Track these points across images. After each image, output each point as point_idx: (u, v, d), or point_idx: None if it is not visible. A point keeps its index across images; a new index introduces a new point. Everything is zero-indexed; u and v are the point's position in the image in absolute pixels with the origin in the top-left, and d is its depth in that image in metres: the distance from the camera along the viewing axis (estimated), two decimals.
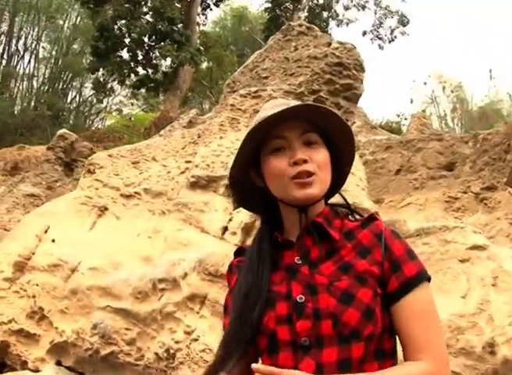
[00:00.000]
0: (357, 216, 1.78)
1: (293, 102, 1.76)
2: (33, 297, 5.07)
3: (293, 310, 1.53)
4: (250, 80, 6.35)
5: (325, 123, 1.68)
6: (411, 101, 25.86)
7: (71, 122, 29.84)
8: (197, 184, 4.90)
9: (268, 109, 1.70)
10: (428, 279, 1.61)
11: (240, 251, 1.84)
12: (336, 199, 1.83)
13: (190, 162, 5.27)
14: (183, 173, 5.24)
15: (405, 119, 19.43)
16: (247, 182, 1.77)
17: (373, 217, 1.70)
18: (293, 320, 1.52)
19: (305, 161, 1.61)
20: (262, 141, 1.68)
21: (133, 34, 20.92)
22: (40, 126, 24.94)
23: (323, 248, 1.62)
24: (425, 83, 24.83)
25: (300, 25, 6.40)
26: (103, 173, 5.62)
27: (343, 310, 1.50)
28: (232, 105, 5.38)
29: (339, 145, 1.73)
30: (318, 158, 1.64)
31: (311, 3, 26.44)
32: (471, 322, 3.98)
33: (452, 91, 24.36)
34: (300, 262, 1.60)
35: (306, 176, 1.61)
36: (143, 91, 24.34)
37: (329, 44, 6.05)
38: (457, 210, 6.92)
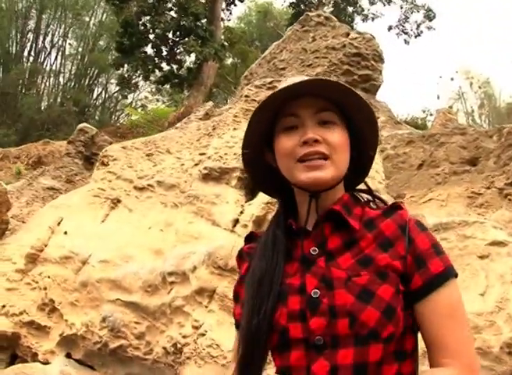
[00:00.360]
0: (380, 204, 1.61)
1: (316, 78, 1.60)
2: (45, 289, 5.04)
3: (307, 306, 1.40)
4: (268, 71, 6.24)
5: (344, 101, 1.52)
6: (438, 97, 25.67)
7: (97, 117, 30.08)
8: (209, 176, 4.80)
9: (285, 84, 1.55)
10: (456, 276, 1.46)
11: (251, 237, 1.69)
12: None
13: (204, 154, 5.17)
14: (196, 165, 5.15)
15: (431, 115, 19.13)
16: (261, 162, 1.63)
17: (397, 206, 1.54)
18: (307, 317, 1.39)
19: (316, 141, 1.46)
20: (276, 117, 1.54)
21: (157, 30, 20.94)
22: (67, 122, 25.18)
23: (341, 238, 1.48)
24: (452, 79, 24.54)
25: (319, 15, 6.27)
26: (116, 165, 5.56)
27: (362, 308, 1.36)
28: (246, 96, 5.27)
29: (360, 127, 1.57)
30: (333, 139, 1.48)
31: None
32: (488, 320, 3.83)
33: (479, 87, 23.95)
34: (316, 252, 1.46)
35: (316, 157, 1.46)
36: (167, 86, 24.37)
37: (348, 34, 5.91)
38: (480, 206, 6.71)
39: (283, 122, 1.52)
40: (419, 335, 1.47)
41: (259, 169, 1.66)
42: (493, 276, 4.08)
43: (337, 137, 1.50)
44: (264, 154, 1.62)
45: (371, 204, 1.61)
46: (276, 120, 1.54)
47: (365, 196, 1.64)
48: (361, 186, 1.69)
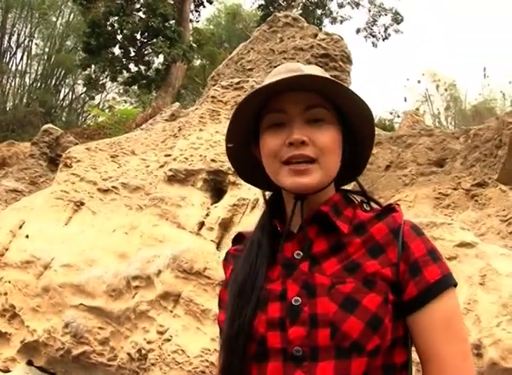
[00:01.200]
0: (374, 206, 1.48)
1: (309, 68, 1.44)
2: (5, 294, 4.90)
3: (287, 314, 1.29)
4: (235, 72, 6.18)
5: (337, 96, 1.38)
6: (405, 100, 25.76)
7: (63, 119, 29.61)
8: (174, 178, 4.72)
9: (273, 76, 1.43)
10: (455, 285, 1.34)
11: (238, 239, 1.58)
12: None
13: (169, 155, 5.09)
14: (162, 166, 5.06)
15: (398, 116, 19.26)
16: (248, 156, 1.51)
17: (391, 208, 1.41)
18: (286, 326, 1.28)
19: (304, 142, 1.34)
20: (262, 111, 1.42)
21: (125, 31, 20.69)
22: (33, 123, 24.71)
23: (328, 241, 1.37)
24: (419, 82, 24.66)
25: (286, 16, 6.23)
26: (80, 167, 5.44)
27: (344, 318, 1.25)
28: (213, 96, 5.20)
29: (355, 123, 1.44)
30: (323, 140, 1.36)
31: (304, 0, 26.28)
32: None
33: (445, 90, 24.20)
34: (300, 256, 1.35)
35: (302, 161, 1.34)
36: (135, 87, 24.13)
37: (316, 35, 5.88)
38: (447, 207, 6.74)
39: (270, 118, 1.40)
40: (413, 348, 1.36)
41: (246, 163, 1.54)
42: (461, 278, 4.06)
43: (327, 138, 1.37)
44: (250, 147, 1.50)
45: (365, 205, 1.47)
46: (262, 115, 1.42)
47: (360, 198, 1.50)
48: (354, 187, 1.58)
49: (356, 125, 1.44)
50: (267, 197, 1.56)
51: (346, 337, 1.24)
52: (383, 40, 26.78)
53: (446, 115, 23.87)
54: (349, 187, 1.57)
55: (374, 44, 27.04)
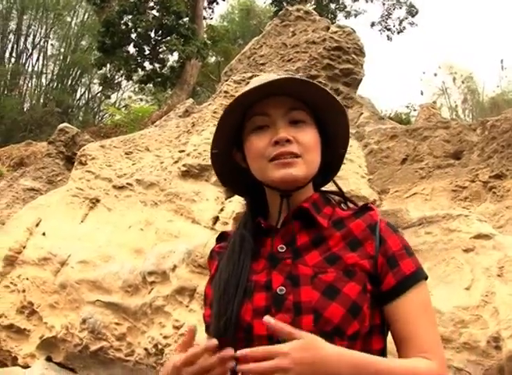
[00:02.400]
0: (352, 205, 1.62)
1: (285, 76, 1.58)
2: (23, 291, 4.94)
3: (272, 303, 1.39)
4: (248, 67, 6.17)
5: (314, 99, 1.51)
6: (421, 93, 25.67)
7: (80, 118, 29.82)
8: (188, 173, 4.73)
9: (254, 83, 1.54)
10: (426, 278, 1.47)
11: (222, 237, 1.69)
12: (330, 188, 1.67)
13: (183, 151, 5.08)
14: (176, 162, 5.06)
15: (414, 110, 19.13)
16: (229, 161, 1.61)
17: (368, 207, 1.55)
18: (272, 314, 1.35)
19: (288, 141, 1.45)
20: (245, 118, 1.53)
21: (139, 29, 20.74)
22: (50, 123, 24.89)
23: (309, 235, 1.48)
24: (436, 75, 24.47)
25: (298, 9, 6.21)
26: (95, 165, 5.46)
27: (326, 305, 1.35)
28: (225, 91, 5.19)
29: (331, 125, 1.56)
30: (305, 139, 1.48)
31: None
32: (474, 315, 3.77)
33: (463, 82, 24.00)
34: (284, 250, 1.46)
35: (288, 156, 1.45)
36: (150, 85, 24.21)
37: (328, 28, 5.84)
38: (465, 199, 6.69)
39: (253, 121, 1.51)
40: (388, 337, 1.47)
41: (227, 169, 1.64)
42: (478, 270, 4.02)
43: (309, 137, 1.49)
44: (232, 154, 1.60)
45: (342, 205, 1.61)
46: (245, 120, 1.53)
47: (337, 198, 1.64)
48: (331, 187, 1.68)
49: (331, 126, 1.57)
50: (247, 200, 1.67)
51: (328, 322, 1.34)
52: (398, 33, 26.61)
53: (464, 108, 23.70)
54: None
55: (389, 38, 26.88)
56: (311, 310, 1.35)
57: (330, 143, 1.58)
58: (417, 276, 1.44)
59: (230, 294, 1.42)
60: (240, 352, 1.23)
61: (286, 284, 1.39)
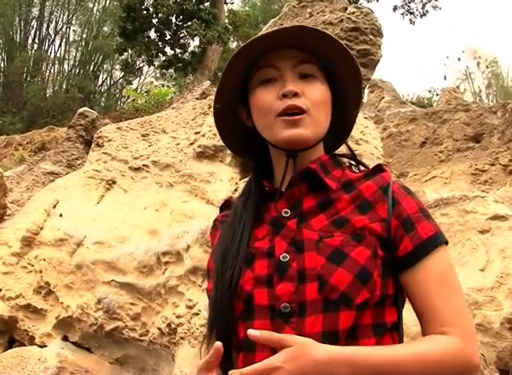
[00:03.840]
0: (363, 168, 1.51)
1: (294, 25, 1.46)
2: (40, 272, 4.98)
3: (275, 270, 1.30)
4: None
5: (325, 51, 1.40)
6: (445, 78, 25.37)
7: (102, 104, 30.00)
8: (203, 154, 4.72)
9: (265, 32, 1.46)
10: (446, 242, 1.35)
11: (225, 205, 1.59)
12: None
13: (198, 132, 5.08)
14: (191, 144, 5.06)
15: (437, 95, 18.90)
16: (234, 120, 1.52)
17: (379, 168, 1.43)
18: (274, 282, 1.28)
19: (296, 94, 1.36)
20: (252, 71, 1.43)
21: (160, 14, 20.72)
22: (72, 109, 25.02)
23: (316, 198, 1.38)
24: (459, 59, 24.17)
25: None
26: (111, 146, 5.47)
27: (332, 270, 1.25)
28: None
29: (343, 82, 1.46)
30: (313, 94, 1.38)
31: None
32: (489, 296, 3.74)
33: (487, 67, 23.67)
34: (289, 214, 1.36)
35: (296, 112, 1.35)
36: (171, 71, 24.23)
37: (345, 9, 5.76)
38: (484, 183, 6.61)
39: (260, 74, 1.42)
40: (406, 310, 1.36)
41: (232, 128, 1.55)
42: (494, 251, 3.99)
43: (318, 92, 1.40)
44: (237, 111, 1.51)
45: (353, 168, 1.50)
46: (251, 73, 1.44)
47: (348, 161, 1.53)
48: (343, 149, 1.58)
49: (343, 83, 1.46)
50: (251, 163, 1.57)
51: (334, 290, 1.24)
52: (421, 17, 26.19)
53: (488, 92, 23.37)
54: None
55: (411, 22, 26.50)
56: (315, 277, 1.26)
57: (341, 104, 1.48)
58: (437, 240, 1.32)
59: (229, 262, 1.35)
60: (231, 373, 1.16)
61: (289, 251, 1.30)
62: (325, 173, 1.40)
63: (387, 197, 1.35)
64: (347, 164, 1.51)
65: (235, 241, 1.38)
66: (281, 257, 1.30)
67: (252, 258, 1.34)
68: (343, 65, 1.43)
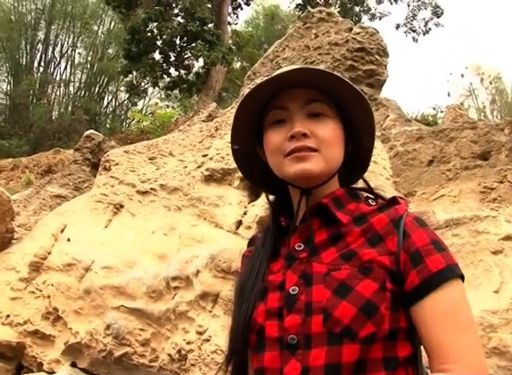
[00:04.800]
0: (381, 201, 1.49)
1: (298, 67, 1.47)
2: (49, 297, 4.95)
3: (285, 303, 1.32)
4: (271, 70, 6.12)
5: (334, 90, 1.41)
6: (448, 95, 25.34)
7: (107, 125, 30.11)
8: (211, 178, 4.70)
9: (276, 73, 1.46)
10: (461, 276, 1.29)
11: (252, 240, 1.62)
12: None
13: (206, 155, 5.07)
14: (199, 167, 5.05)
15: (441, 112, 18.87)
16: (254, 157, 1.54)
17: (394, 201, 1.42)
18: (284, 315, 1.30)
19: (305, 135, 1.37)
20: (264, 111, 1.46)
21: (164, 36, 20.92)
22: (78, 131, 25.12)
23: (328, 232, 1.39)
24: (462, 76, 24.18)
25: (321, 11, 6.14)
26: (119, 170, 5.47)
27: (337, 304, 1.25)
28: None
29: (355, 117, 1.46)
30: (323, 133, 1.39)
31: None
32: (504, 319, 3.68)
33: (490, 83, 23.67)
34: (301, 248, 1.38)
35: (304, 151, 1.37)
36: (176, 92, 24.35)
37: (351, 29, 5.79)
38: (493, 201, 6.55)
39: (272, 115, 1.44)
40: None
41: (252, 165, 1.57)
42: (508, 272, 3.93)
43: (328, 131, 1.40)
44: (255, 149, 1.53)
45: (370, 201, 1.48)
46: (265, 113, 1.46)
47: (365, 194, 1.53)
48: (361, 183, 1.58)
49: (355, 119, 1.46)
50: (270, 198, 1.60)
51: (337, 323, 1.24)
52: (424, 34, 26.39)
53: (492, 108, 23.34)
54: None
55: (414, 39, 26.69)
56: (321, 310, 1.26)
57: (356, 137, 1.48)
58: (446, 274, 1.27)
59: (245, 297, 1.39)
60: None
61: (299, 284, 1.32)
62: (338, 207, 1.41)
63: (398, 230, 1.33)
64: (364, 197, 1.50)
65: (252, 276, 1.42)
66: (290, 290, 1.33)
67: (265, 292, 1.37)
68: (351, 100, 1.43)
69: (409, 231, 1.32)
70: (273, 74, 1.42)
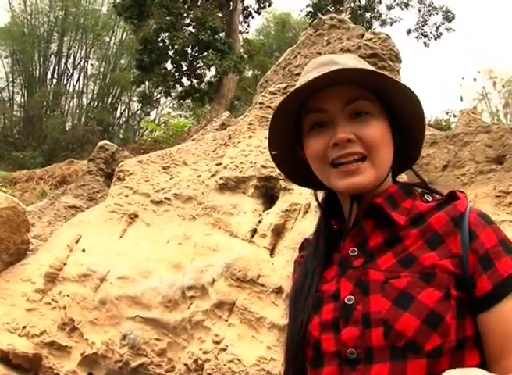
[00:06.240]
0: (437, 196, 1.33)
1: (342, 58, 1.34)
2: (64, 308, 4.96)
3: (340, 314, 1.22)
4: (283, 78, 6.13)
5: (376, 85, 1.27)
6: (461, 99, 25.24)
7: (121, 136, 30.24)
8: (225, 186, 4.69)
9: (306, 73, 1.32)
10: None
11: (303, 246, 1.50)
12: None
13: (220, 164, 5.07)
14: (213, 176, 5.04)
15: (454, 116, 18.78)
16: (295, 159, 1.41)
17: (453, 196, 1.27)
18: (340, 327, 1.21)
19: (349, 140, 1.24)
20: (301, 114, 1.32)
21: (176, 46, 21.00)
22: (91, 142, 25.27)
23: (383, 235, 1.27)
24: (475, 80, 24.04)
25: (332, 18, 6.14)
26: (133, 180, 5.48)
27: (398, 315, 1.15)
28: (261, 103, 5.16)
29: (402, 110, 1.32)
30: (370, 134, 1.25)
31: (353, 4, 26.05)
32: None
33: (503, 86, 23.54)
34: (355, 253, 1.27)
35: (352, 160, 1.24)
36: (189, 101, 24.43)
37: (362, 35, 5.76)
38: (509, 205, 6.47)
39: (310, 118, 1.31)
40: None
41: (295, 167, 1.44)
42: None
43: (374, 132, 1.27)
44: (295, 151, 1.40)
45: (426, 196, 1.34)
46: (302, 115, 1.33)
47: (420, 189, 1.37)
48: (413, 177, 1.44)
49: (402, 112, 1.33)
50: (319, 199, 1.46)
51: (400, 336, 1.14)
52: (435, 39, 26.28)
53: (505, 112, 23.19)
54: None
55: (426, 44, 26.60)
56: (380, 322, 1.16)
57: (404, 128, 1.34)
58: None
59: (299, 308, 1.30)
60: None
61: (354, 292, 1.22)
62: (393, 207, 1.29)
63: (460, 229, 1.20)
64: (419, 192, 1.36)
65: (305, 285, 1.32)
66: (346, 300, 1.22)
67: (320, 303, 1.27)
68: (397, 95, 1.30)
69: (476, 231, 1.20)
70: (305, 77, 1.29)
